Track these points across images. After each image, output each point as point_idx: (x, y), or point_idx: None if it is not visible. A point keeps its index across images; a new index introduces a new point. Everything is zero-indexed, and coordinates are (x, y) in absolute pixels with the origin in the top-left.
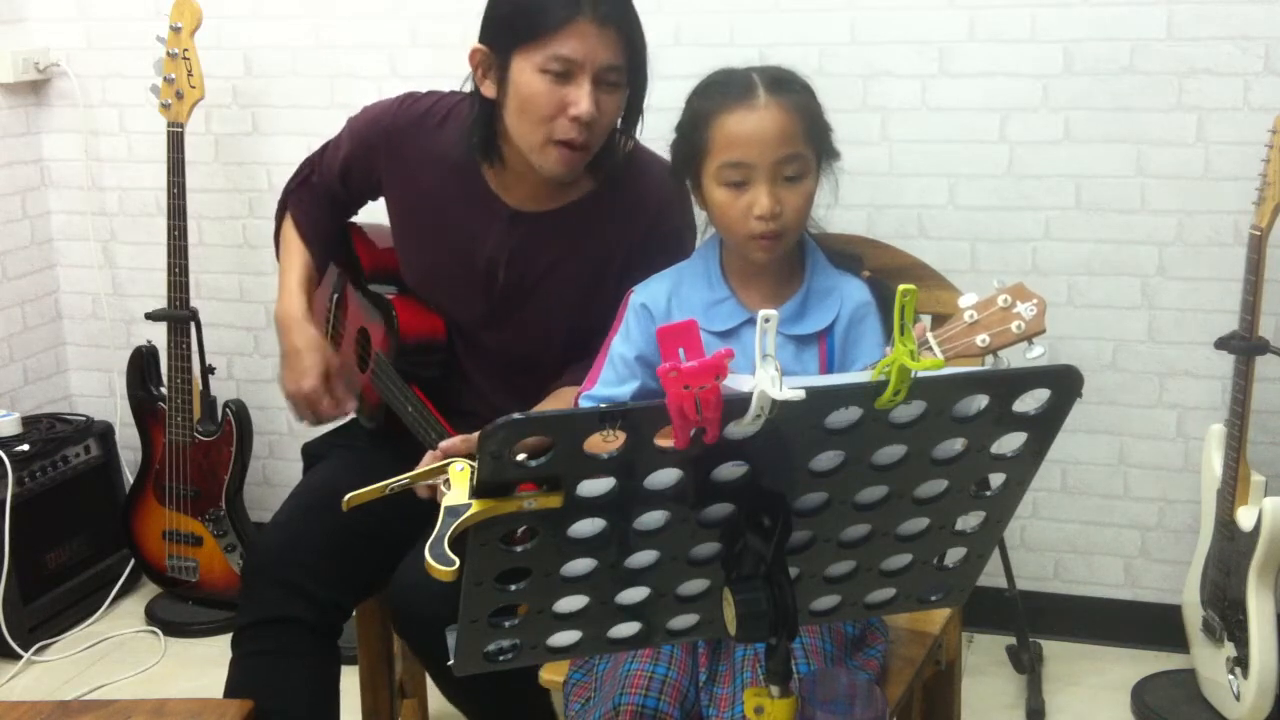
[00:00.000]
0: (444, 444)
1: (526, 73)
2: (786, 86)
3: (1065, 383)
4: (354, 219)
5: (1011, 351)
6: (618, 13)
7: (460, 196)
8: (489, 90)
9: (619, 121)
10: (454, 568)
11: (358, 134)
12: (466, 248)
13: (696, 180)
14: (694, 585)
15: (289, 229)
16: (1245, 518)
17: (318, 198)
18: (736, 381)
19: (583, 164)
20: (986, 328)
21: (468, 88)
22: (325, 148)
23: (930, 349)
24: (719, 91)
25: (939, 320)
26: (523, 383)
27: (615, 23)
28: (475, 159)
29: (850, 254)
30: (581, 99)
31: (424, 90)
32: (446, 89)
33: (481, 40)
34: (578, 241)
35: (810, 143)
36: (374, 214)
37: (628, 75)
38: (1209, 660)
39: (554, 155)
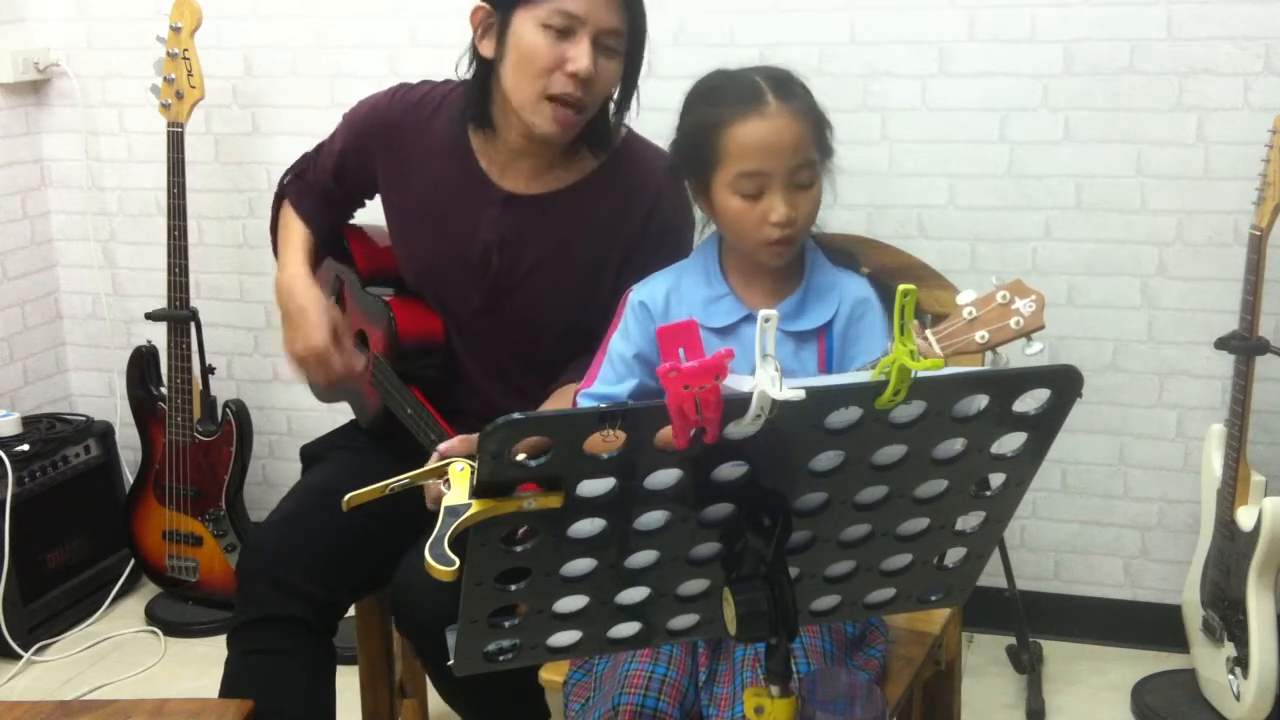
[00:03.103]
0: (443, 445)
1: (528, 27)
2: (792, 91)
3: (1065, 383)
4: (350, 222)
5: (1011, 348)
6: None
7: (454, 182)
8: (487, 49)
9: (614, 94)
10: (454, 568)
11: (353, 127)
12: (461, 234)
13: (705, 187)
14: (694, 585)
15: (288, 212)
16: (1245, 518)
17: (313, 192)
18: (736, 381)
19: (577, 126)
20: (985, 324)
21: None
22: (320, 146)
23: (929, 345)
24: (726, 99)
25: (938, 320)
26: (521, 380)
27: None
28: (468, 144)
29: (846, 252)
30: (581, 56)
31: (417, 81)
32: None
33: None
34: (573, 226)
35: (818, 146)
36: (369, 218)
37: (627, 44)
38: (1209, 660)
39: (548, 112)
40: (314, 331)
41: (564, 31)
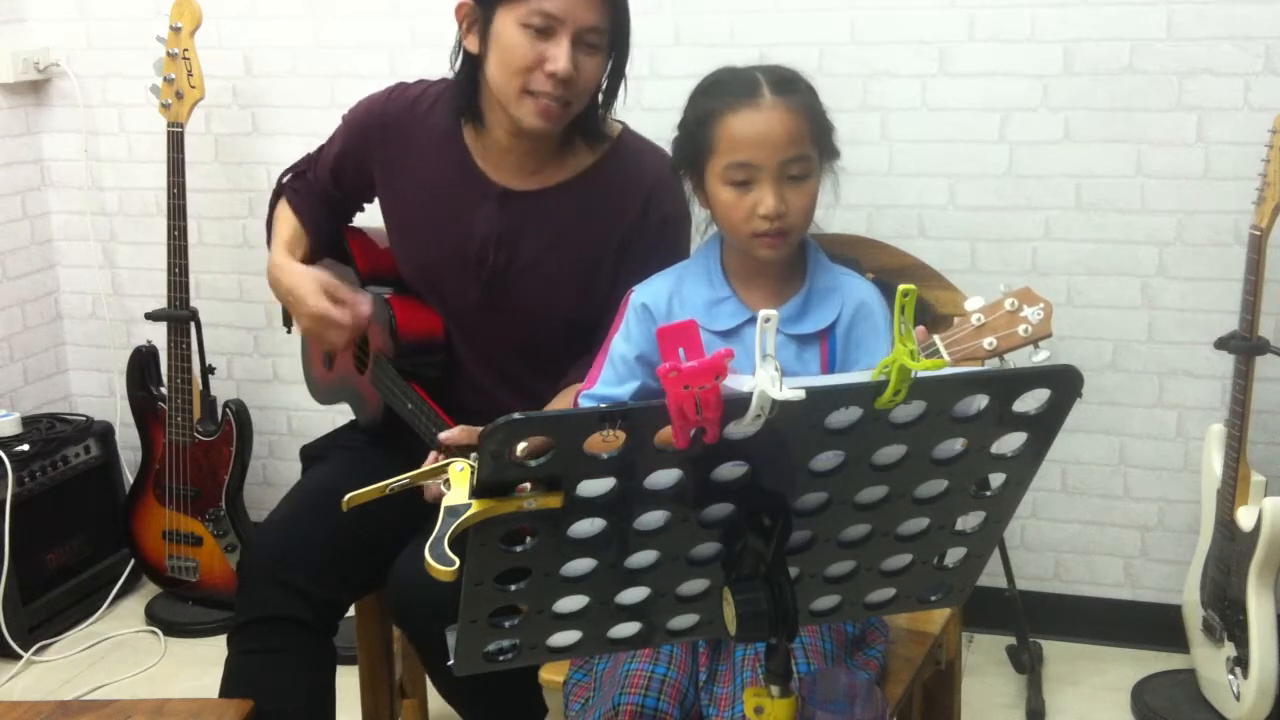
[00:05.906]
0: (443, 435)
1: (508, 26)
2: (791, 87)
3: (1065, 383)
4: (349, 223)
5: (1017, 355)
6: None
7: (450, 178)
8: (473, 45)
9: (602, 87)
10: (454, 568)
11: (351, 127)
12: (458, 230)
13: (700, 179)
14: (694, 585)
15: (281, 208)
16: (1245, 518)
17: (312, 192)
18: (736, 381)
19: (563, 120)
20: (993, 331)
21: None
22: (321, 148)
23: (937, 352)
24: (724, 91)
25: (940, 320)
26: (521, 376)
27: None
28: (463, 140)
29: (845, 258)
30: (560, 56)
31: (413, 81)
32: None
33: None
34: (569, 222)
35: (815, 143)
36: (369, 221)
37: (610, 39)
38: (1209, 660)
39: (531, 106)
40: (307, 301)
41: (544, 31)
